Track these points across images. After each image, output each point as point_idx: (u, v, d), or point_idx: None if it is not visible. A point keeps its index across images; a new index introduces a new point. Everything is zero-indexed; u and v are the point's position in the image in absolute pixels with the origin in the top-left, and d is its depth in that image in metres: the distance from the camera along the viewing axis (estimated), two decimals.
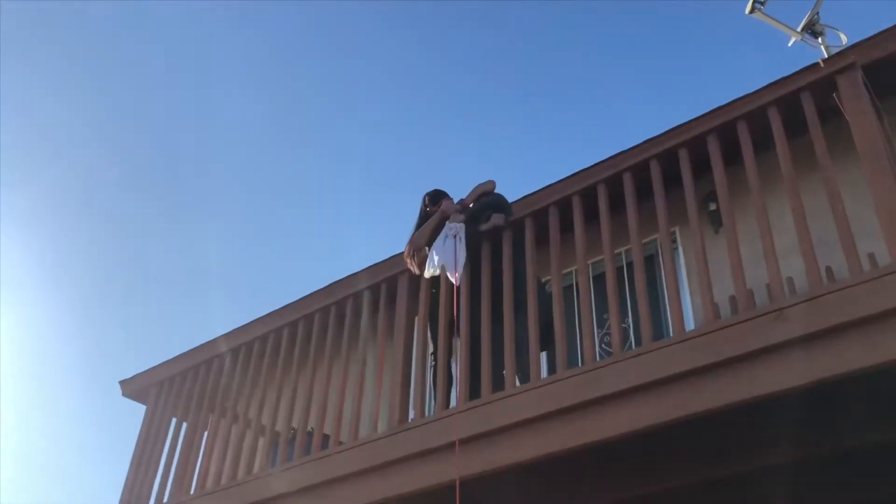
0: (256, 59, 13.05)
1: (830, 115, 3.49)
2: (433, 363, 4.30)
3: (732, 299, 4.19)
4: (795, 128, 3.49)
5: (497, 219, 4.28)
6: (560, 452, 3.33)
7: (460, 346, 4.02)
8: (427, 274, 4.28)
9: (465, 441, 3.61)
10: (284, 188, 14.82)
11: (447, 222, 4.42)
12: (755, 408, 2.99)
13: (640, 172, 3.81)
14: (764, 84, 3.88)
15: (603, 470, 3.65)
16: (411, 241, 4.53)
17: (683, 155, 3.70)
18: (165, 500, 4.96)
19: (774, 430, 3.16)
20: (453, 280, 4.14)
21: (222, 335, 5.61)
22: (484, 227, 4.31)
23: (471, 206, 4.64)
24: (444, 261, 4.17)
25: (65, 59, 12.21)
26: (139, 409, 6.04)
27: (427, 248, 4.40)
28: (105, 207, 13.84)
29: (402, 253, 4.63)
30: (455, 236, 4.24)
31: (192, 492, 4.86)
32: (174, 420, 5.51)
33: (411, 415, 4.15)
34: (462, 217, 4.46)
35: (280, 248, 15.45)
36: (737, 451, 3.35)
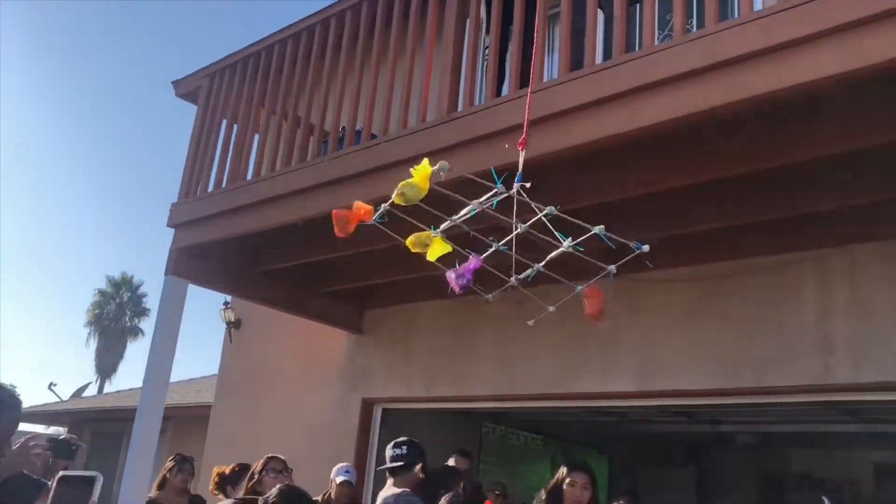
0: None
1: None
2: (486, 56, 4.20)
3: None
4: None
5: None
6: (613, 137, 3.32)
7: (514, 34, 3.88)
8: None
9: (516, 128, 3.62)
10: None
11: None
12: (817, 94, 2.90)
13: None
14: None
15: (657, 157, 3.68)
16: None
17: None
18: (223, 186, 5.19)
19: (836, 117, 3.09)
20: None
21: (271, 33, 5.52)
22: None
23: None
24: None
25: None
26: None
27: None
28: None
29: None
30: None
31: (248, 178, 5.08)
32: (224, 121, 5.61)
33: (461, 106, 4.13)
34: None
35: None
36: (794, 140, 3.33)
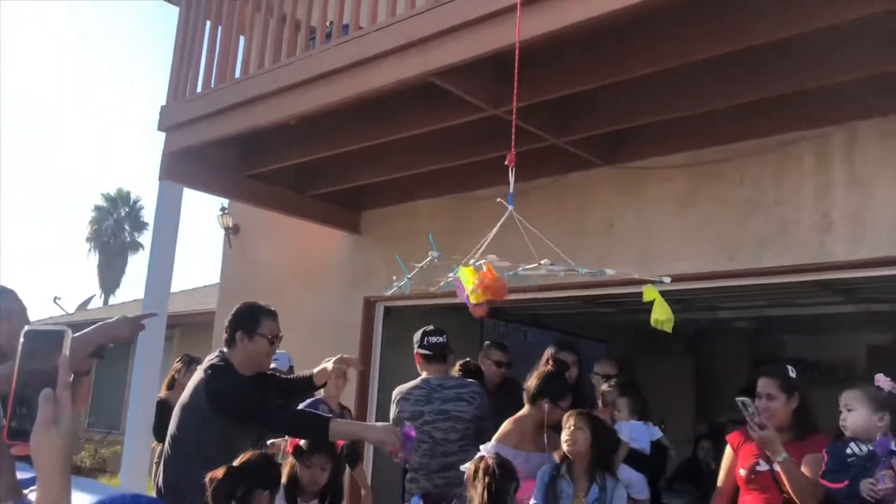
0: None
1: None
2: None
3: None
4: None
5: None
6: (609, 14, 3.21)
7: None
8: None
9: (509, 10, 3.51)
10: None
11: None
12: None
13: None
14: None
15: (655, 36, 3.61)
16: None
17: None
18: (212, 86, 5.09)
19: None
20: None
21: None
22: None
23: None
24: None
25: None
26: None
27: None
28: None
29: None
30: None
31: (236, 76, 4.97)
32: (209, 22, 5.44)
33: None
34: None
35: None
36: (796, 10, 3.24)
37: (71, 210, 62.76)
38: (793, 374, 3.16)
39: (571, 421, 3.37)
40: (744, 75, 3.95)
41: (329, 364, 3.60)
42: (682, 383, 9.85)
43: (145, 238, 35.33)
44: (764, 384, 3.16)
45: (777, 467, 2.94)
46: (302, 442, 3.34)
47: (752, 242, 4.42)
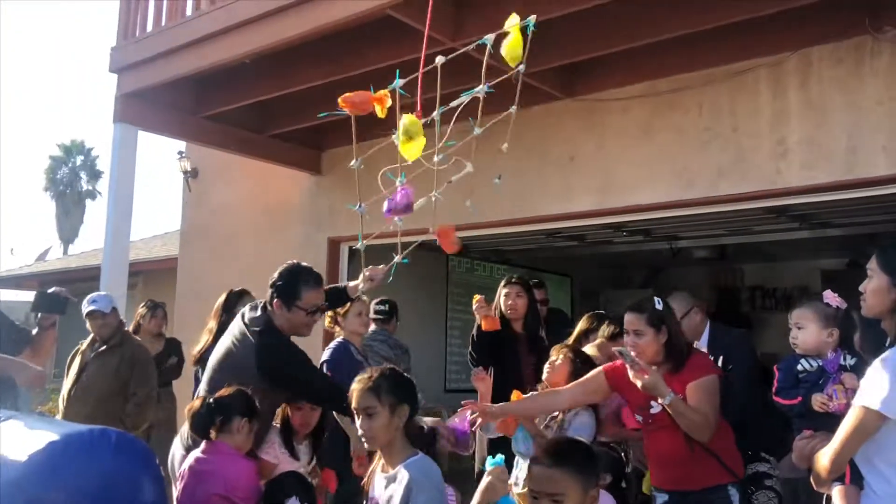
0: None
1: None
2: None
3: None
4: None
5: None
6: None
7: None
8: None
9: None
10: None
11: None
12: None
13: None
14: None
15: None
16: None
17: None
18: (163, 24, 4.95)
19: None
20: None
21: None
22: None
23: None
24: None
25: None
26: None
27: None
28: None
29: None
30: None
31: (188, 13, 4.84)
32: None
33: None
34: None
35: None
36: None
37: (26, 161, 61.15)
38: (659, 307, 2.98)
39: (555, 355, 3.45)
40: (696, 3, 3.94)
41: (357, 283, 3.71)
42: None
43: (102, 186, 34.66)
44: (629, 320, 2.98)
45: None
46: None
47: (710, 170, 4.48)
